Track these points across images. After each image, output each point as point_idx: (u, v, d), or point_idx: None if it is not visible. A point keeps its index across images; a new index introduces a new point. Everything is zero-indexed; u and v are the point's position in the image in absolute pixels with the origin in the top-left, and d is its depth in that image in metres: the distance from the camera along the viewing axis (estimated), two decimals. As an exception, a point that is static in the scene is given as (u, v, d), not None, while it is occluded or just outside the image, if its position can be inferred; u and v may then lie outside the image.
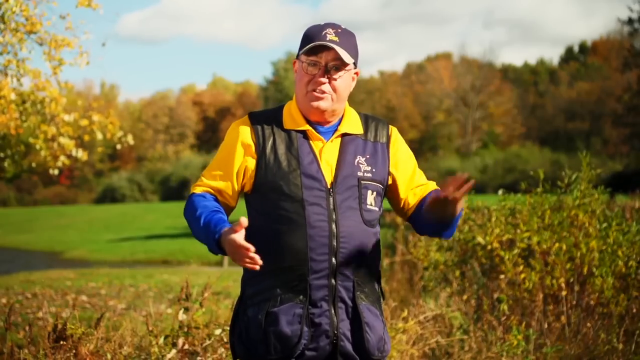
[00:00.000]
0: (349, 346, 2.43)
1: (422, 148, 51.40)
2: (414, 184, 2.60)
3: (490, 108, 50.86)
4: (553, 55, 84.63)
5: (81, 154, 8.44)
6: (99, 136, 8.49)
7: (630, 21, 27.57)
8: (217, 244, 2.29)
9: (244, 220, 2.23)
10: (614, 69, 44.06)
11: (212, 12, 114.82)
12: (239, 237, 2.21)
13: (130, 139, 8.85)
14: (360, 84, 53.23)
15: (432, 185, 2.62)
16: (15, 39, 7.54)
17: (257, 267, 2.23)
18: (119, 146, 8.99)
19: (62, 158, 8.41)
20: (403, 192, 2.58)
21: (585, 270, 4.95)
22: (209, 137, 59.23)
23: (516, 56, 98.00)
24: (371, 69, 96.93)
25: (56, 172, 8.67)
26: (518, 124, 51.46)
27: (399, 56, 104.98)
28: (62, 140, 8.20)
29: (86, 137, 8.64)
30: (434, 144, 51.73)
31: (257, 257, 2.21)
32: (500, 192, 5.71)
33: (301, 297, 2.39)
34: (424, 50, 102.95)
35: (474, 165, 40.34)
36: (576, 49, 59.70)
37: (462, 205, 2.37)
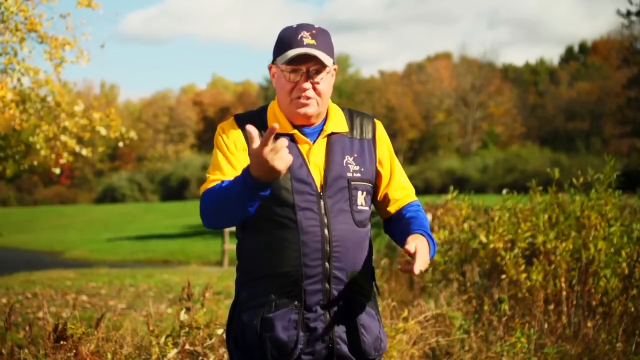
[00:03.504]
0: (345, 348, 2.42)
1: (422, 148, 51.45)
2: (394, 183, 2.59)
3: (490, 108, 50.88)
4: (557, 55, 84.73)
5: (85, 152, 8.47)
6: (103, 132, 8.51)
7: (628, 14, 27.68)
8: (249, 178, 2.14)
9: (276, 125, 2.10)
10: (614, 69, 44.06)
11: (216, 12, 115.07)
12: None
13: (133, 134, 8.87)
14: (361, 84, 53.24)
15: (411, 195, 2.60)
16: (15, 39, 7.55)
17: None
18: (121, 143, 9.02)
19: (66, 155, 8.43)
20: (383, 189, 2.57)
21: (591, 270, 4.95)
22: (209, 137, 59.21)
23: (520, 56, 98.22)
24: (375, 69, 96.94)
25: (57, 171, 8.69)
26: (518, 123, 51.49)
27: (404, 56, 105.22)
28: (64, 138, 8.22)
29: (87, 135, 8.66)
30: (434, 143, 51.76)
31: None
32: (504, 191, 5.71)
33: (296, 302, 2.38)
34: (430, 50, 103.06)
35: (474, 165, 40.34)
36: (576, 48, 59.74)
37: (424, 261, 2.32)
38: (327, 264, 2.39)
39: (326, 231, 2.39)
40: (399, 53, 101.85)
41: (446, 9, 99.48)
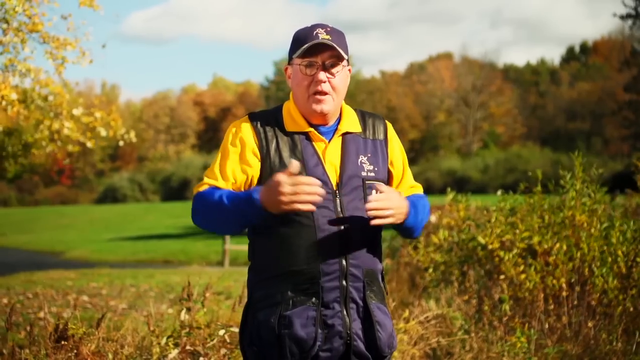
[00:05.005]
0: (361, 345, 2.44)
1: (423, 148, 51.44)
2: (404, 183, 2.64)
3: (491, 108, 50.88)
4: (558, 55, 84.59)
5: (89, 143, 8.51)
6: (103, 133, 8.54)
7: (627, 16, 27.82)
8: (255, 202, 2.26)
9: (296, 164, 2.24)
10: (615, 69, 44.04)
11: (218, 12, 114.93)
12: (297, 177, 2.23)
13: (132, 136, 8.89)
14: (362, 84, 53.21)
15: (418, 190, 2.66)
16: (17, 39, 7.56)
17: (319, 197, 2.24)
18: (121, 143, 9.04)
19: (70, 147, 8.47)
20: (394, 188, 2.60)
21: (586, 270, 4.95)
22: (210, 137, 59.26)
23: (521, 56, 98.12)
24: (377, 69, 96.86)
25: (67, 161, 8.75)
26: (519, 124, 51.49)
27: (406, 56, 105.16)
28: (67, 131, 8.25)
29: (89, 134, 8.68)
30: (435, 144, 51.76)
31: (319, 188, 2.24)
32: (499, 192, 5.74)
33: (314, 299, 2.39)
34: (432, 51, 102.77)
35: (475, 166, 40.35)
36: (577, 49, 59.73)
37: (394, 216, 2.38)
38: (344, 261, 2.41)
39: (342, 229, 2.41)
40: (401, 53, 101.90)
41: (449, 9, 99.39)
